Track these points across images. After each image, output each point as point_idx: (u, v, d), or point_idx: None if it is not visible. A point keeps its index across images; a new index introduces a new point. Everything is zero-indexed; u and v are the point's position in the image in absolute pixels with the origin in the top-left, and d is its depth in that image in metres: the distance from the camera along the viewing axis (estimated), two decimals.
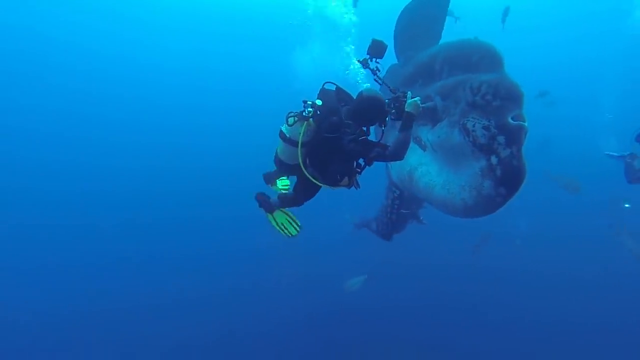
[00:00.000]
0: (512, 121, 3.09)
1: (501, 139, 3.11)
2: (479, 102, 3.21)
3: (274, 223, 3.72)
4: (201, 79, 21.79)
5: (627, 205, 6.56)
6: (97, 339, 9.74)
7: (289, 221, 3.74)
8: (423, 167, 3.79)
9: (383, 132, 3.20)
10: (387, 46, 3.35)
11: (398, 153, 2.95)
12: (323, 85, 3.27)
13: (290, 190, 3.65)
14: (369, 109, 3.03)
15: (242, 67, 22.01)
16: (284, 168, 3.38)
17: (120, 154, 18.95)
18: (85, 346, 9.56)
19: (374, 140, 3.14)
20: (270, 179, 3.83)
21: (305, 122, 3.08)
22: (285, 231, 3.69)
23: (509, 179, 3.10)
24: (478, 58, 3.35)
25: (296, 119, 3.11)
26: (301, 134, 3.06)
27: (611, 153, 6.00)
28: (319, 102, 3.11)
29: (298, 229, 3.73)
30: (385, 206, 5.10)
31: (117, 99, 20.35)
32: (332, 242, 11.91)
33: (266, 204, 3.70)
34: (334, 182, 3.16)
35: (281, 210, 3.71)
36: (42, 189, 17.32)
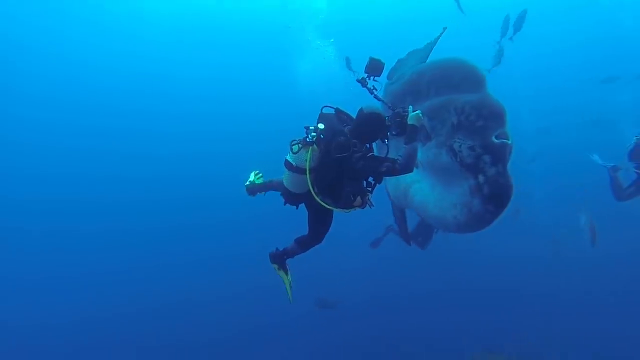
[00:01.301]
0: (495, 140, 3.18)
1: (487, 158, 3.21)
2: (463, 123, 3.31)
3: (287, 284, 3.69)
4: (200, 86, 22.04)
5: None
6: (104, 342, 10.19)
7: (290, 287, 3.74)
8: (416, 184, 3.92)
9: (388, 147, 3.24)
10: (384, 64, 3.39)
11: (408, 165, 2.96)
12: (321, 109, 3.30)
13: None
14: (370, 124, 3.07)
15: (239, 73, 22.13)
16: (292, 198, 3.39)
17: (126, 161, 19.42)
18: (93, 350, 10.03)
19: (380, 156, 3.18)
20: (253, 191, 3.87)
21: (310, 148, 3.09)
22: (289, 292, 3.70)
23: (496, 196, 3.20)
24: (460, 78, 3.43)
25: (300, 145, 3.13)
26: (308, 160, 3.06)
27: (596, 158, 5.93)
28: (321, 126, 3.13)
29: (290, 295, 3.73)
30: (398, 218, 5.21)
31: (119, 109, 20.77)
32: (342, 238, 12.07)
33: (285, 268, 3.69)
34: (348, 204, 3.14)
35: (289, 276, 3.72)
36: (52, 197, 17.87)
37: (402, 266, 10.74)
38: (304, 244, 3.54)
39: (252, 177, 3.88)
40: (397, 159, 2.96)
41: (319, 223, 3.46)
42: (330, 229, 3.52)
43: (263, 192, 3.90)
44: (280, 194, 3.56)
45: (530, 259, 11.33)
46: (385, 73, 3.64)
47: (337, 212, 3.29)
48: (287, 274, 3.68)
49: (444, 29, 4.56)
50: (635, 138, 5.44)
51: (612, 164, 5.79)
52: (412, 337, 9.33)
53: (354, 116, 3.23)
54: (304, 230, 3.59)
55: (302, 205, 3.56)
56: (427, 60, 4.31)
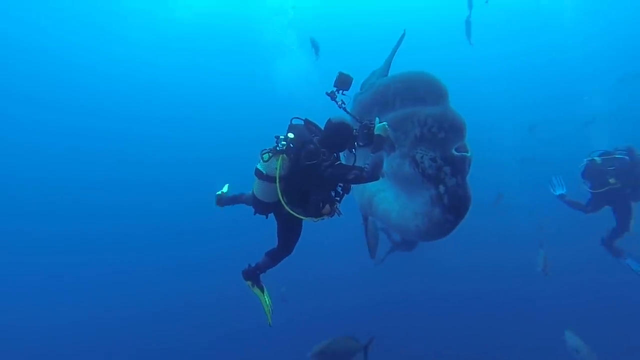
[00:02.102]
0: (456, 152, 3.30)
1: (447, 169, 3.31)
2: (425, 134, 3.42)
3: (265, 307, 3.67)
4: (189, 92, 22.10)
5: None
6: (102, 344, 10.22)
7: (270, 307, 3.70)
8: (381, 193, 4.01)
9: (356, 157, 3.37)
10: (352, 79, 3.52)
11: (375, 173, 3.06)
12: (291, 120, 3.41)
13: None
14: (338, 134, 3.22)
15: (225, 79, 22.29)
16: (262, 207, 3.45)
17: (123, 164, 19.38)
18: (91, 352, 10.01)
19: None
20: (223, 202, 3.96)
21: (281, 156, 3.18)
22: (269, 315, 3.66)
23: (455, 206, 3.31)
24: (424, 92, 3.54)
25: (271, 154, 3.23)
26: (277, 169, 3.15)
27: (554, 182, 6.28)
28: (291, 136, 3.23)
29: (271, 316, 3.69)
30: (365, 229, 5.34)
31: (107, 111, 20.68)
32: (331, 244, 12.15)
33: (260, 284, 3.69)
34: (317, 213, 3.22)
35: (268, 294, 3.71)
36: (53, 200, 17.76)
37: (384, 273, 10.89)
38: (274, 256, 3.60)
39: (225, 189, 4.01)
40: (364, 167, 3.07)
41: (289, 232, 3.53)
42: (299, 239, 3.59)
43: (231, 205, 3.97)
44: (251, 203, 3.62)
45: (513, 266, 11.56)
46: (353, 86, 3.74)
47: (306, 221, 3.38)
48: (262, 291, 3.71)
49: (403, 32, 4.68)
50: (585, 160, 5.79)
51: (559, 193, 6.25)
52: (396, 343, 9.43)
53: (323, 127, 3.34)
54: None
55: (272, 216, 3.63)
56: (391, 65, 4.44)
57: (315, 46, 8.54)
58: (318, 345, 5.12)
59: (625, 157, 5.67)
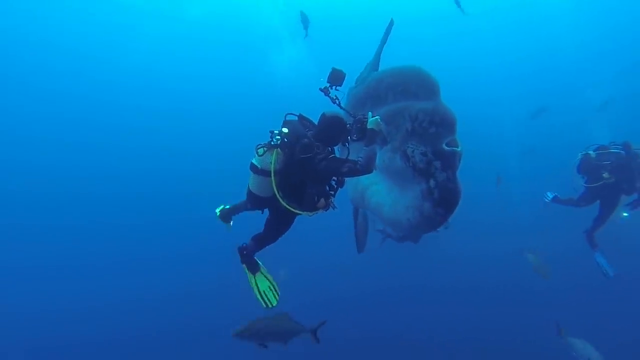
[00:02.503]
0: (446, 147, 3.33)
1: (437, 163, 3.35)
2: (417, 129, 3.44)
3: (255, 289, 3.63)
4: (188, 83, 22.11)
5: (625, 215, 6.42)
6: (105, 335, 10.32)
7: (270, 287, 3.65)
8: (374, 186, 4.05)
9: (349, 151, 3.40)
10: (345, 75, 3.51)
11: (368, 166, 3.10)
12: (285, 116, 3.43)
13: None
14: (332, 127, 3.25)
15: (226, 72, 22.26)
16: (258, 202, 3.48)
17: (116, 157, 19.50)
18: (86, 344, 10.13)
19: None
20: (226, 216, 3.98)
21: (275, 151, 3.20)
22: (266, 299, 3.60)
23: (445, 200, 3.35)
24: (416, 86, 3.56)
25: (265, 149, 3.25)
26: (272, 163, 3.17)
27: (547, 194, 6.39)
28: (285, 130, 3.25)
29: (277, 297, 3.61)
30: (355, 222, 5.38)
31: (107, 103, 20.78)
32: (327, 234, 12.20)
33: (252, 264, 3.65)
34: (312, 207, 3.27)
35: (263, 274, 3.69)
36: (46, 192, 17.91)
37: (382, 263, 10.97)
38: (260, 241, 3.65)
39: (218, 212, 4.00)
40: (358, 160, 3.10)
41: (281, 224, 3.57)
42: (286, 231, 3.64)
43: (235, 214, 4.02)
44: (246, 197, 3.65)
45: (511, 256, 11.62)
46: (347, 81, 3.75)
47: (301, 215, 3.39)
48: (254, 272, 3.70)
49: (391, 21, 4.64)
50: (580, 154, 5.80)
51: (552, 196, 6.48)
52: (394, 333, 9.52)
53: (316, 122, 3.37)
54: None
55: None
56: (385, 58, 4.44)
57: (304, 21, 8.34)
58: (243, 325, 4.83)
59: (621, 151, 5.65)
